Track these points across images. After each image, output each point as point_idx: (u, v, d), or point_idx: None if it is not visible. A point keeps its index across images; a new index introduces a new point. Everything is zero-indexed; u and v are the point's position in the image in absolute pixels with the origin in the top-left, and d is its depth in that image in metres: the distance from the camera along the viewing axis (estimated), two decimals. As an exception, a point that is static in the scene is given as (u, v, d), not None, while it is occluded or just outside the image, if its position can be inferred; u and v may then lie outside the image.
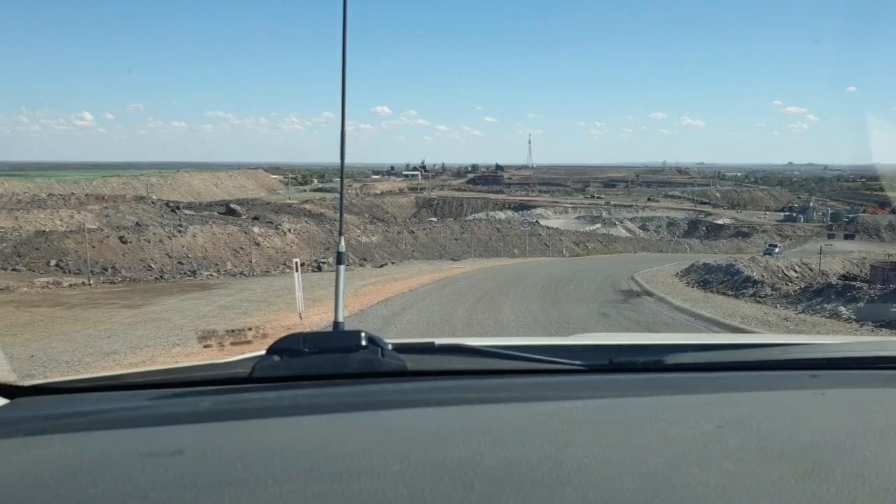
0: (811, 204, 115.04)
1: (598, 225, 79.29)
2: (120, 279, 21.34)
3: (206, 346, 7.19)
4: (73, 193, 56.56)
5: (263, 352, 1.15)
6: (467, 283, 18.98)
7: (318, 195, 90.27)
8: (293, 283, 18.91)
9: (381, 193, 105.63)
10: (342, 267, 2.56)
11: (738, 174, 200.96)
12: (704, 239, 72.52)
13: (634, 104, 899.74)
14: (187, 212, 46.65)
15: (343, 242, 2.70)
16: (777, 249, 48.63)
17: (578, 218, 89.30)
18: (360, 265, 26.76)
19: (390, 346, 1.16)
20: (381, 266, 26.99)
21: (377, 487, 0.69)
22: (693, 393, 1.12)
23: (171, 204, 49.92)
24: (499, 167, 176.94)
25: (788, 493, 0.67)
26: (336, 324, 2.48)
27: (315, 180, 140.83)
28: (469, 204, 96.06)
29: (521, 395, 1.11)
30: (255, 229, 27.66)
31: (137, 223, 27.56)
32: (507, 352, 1.25)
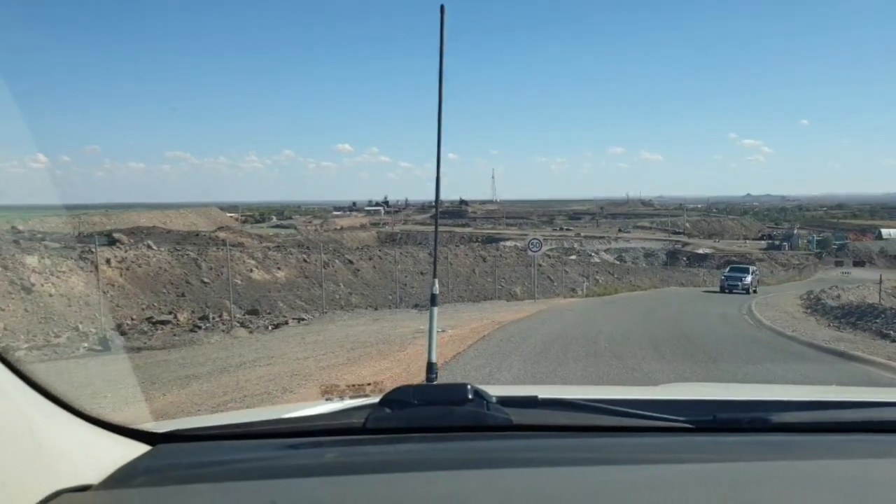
0: (795, 231, 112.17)
1: (574, 256, 70.99)
2: None
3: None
4: None
5: (375, 400, 1.22)
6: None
7: (272, 231, 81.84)
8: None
9: (341, 229, 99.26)
10: (435, 308, 2.53)
11: (699, 206, 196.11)
12: (686, 268, 67.42)
13: (593, 140, 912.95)
14: (51, 244, 32.71)
15: (437, 284, 2.59)
16: (749, 278, 32.18)
17: (551, 249, 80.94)
18: (237, 325, 13.45)
19: (495, 399, 1.20)
20: (277, 326, 13.83)
21: None
22: (799, 458, 1.10)
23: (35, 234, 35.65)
24: (463, 202, 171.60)
25: None
26: (430, 364, 2.46)
27: (274, 217, 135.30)
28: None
29: (630, 456, 1.11)
30: (31, 260, 14.17)
31: None
32: (610, 407, 1.25)
